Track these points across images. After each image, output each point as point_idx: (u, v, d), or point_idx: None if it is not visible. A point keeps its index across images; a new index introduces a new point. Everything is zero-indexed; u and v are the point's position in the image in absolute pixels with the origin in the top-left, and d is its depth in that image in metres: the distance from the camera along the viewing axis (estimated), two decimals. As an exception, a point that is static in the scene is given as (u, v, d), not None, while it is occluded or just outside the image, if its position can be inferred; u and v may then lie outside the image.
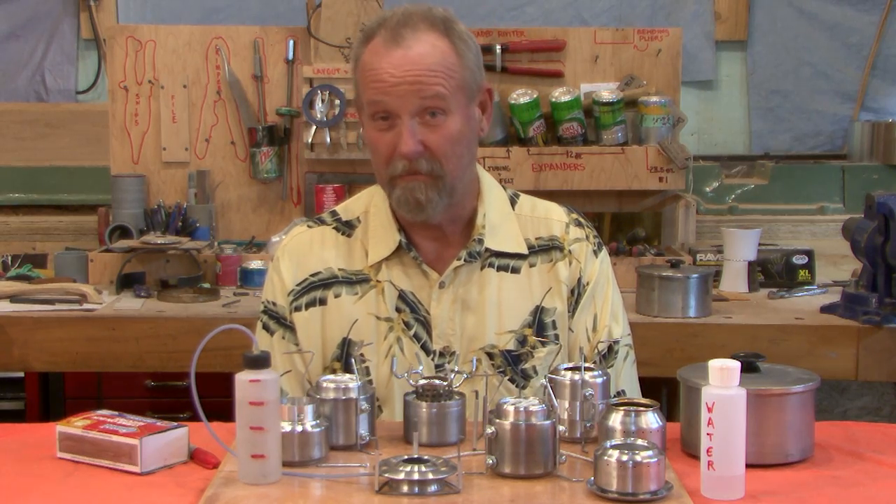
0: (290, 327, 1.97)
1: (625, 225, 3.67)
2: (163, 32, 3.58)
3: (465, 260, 1.93)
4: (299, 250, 1.99)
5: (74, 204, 3.99)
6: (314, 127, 3.46)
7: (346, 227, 2.00)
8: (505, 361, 1.93)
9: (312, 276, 1.97)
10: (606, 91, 3.45)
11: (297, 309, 1.96)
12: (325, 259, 1.97)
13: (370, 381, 1.91)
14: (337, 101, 3.45)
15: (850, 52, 4.39)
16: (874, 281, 2.84)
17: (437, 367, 1.90)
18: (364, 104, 1.87)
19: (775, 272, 3.34)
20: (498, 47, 3.50)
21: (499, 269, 1.95)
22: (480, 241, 1.94)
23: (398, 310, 1.93)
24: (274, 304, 1.99)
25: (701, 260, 3.35)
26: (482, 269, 1.95)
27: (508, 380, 1.92)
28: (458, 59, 1.84)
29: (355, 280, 1.95)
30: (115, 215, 3.49)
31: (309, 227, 2.02)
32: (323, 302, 1.95)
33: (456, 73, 1.83)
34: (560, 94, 3.42)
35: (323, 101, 3.46)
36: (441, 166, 1.84)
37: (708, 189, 4.04)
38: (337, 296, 1.95)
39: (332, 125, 3.46)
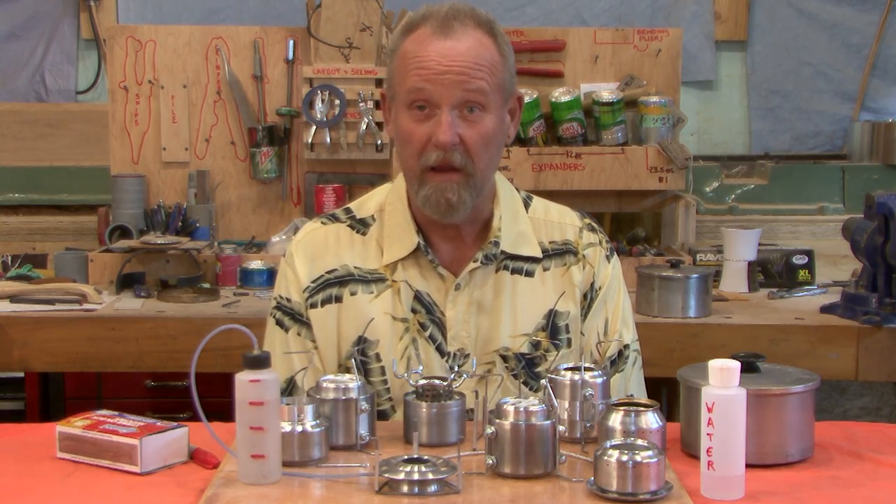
0: (306, 323, 1.95)
1: (625, 225, 3.68)
2: (163, 32, 3.58)
3: (481, 262, 1.92)
4: (314, 246, 1.97)
5: (74, 204, 3.99)
6: (314, 127, 3.46)
7: (361, 225, 1.98)
8: (519, 364, 1.93)
9: (328, 272, 1.95)
10: (606, 91, 3.45)
11: (313, 306, 1.95)
12: (341, 256, 1.96)
13: (384, 382, 1.91)
14: (337, 101, 3.45)
15: (850, 52, 4.39)
16: (874, 281, 2.84)
17: (451, 368, 1.89)
18: (401, 93, 1.85)
19: (775, 272, 3.34)
20: (498, 47, 3.49)
21: (513, 271, 1.95)
22: (496, 244, 1.93)
23: (414, 310, 1.93)
24: (288, 299, 1.97)
25: (701, 260, 3.35)
26: (497, 271, 1.94)
27: (522, 383, 1.92)
28: (501, 60, 1.85)
29: (371, 279, 1.94)
30: (115, 215, 3.49)
31: (323, 223, 2.01)
32: (339, 299, 1.94)
33: (498, 73, 1.84)
34: (560, 94, 3.42)
35: (323, 101, 3.46)
36: (473, 163, 1.83)
37: (708, 189, 4.04)
38: (353, 294, 1.94)
39: (332, 125, 3.46)
